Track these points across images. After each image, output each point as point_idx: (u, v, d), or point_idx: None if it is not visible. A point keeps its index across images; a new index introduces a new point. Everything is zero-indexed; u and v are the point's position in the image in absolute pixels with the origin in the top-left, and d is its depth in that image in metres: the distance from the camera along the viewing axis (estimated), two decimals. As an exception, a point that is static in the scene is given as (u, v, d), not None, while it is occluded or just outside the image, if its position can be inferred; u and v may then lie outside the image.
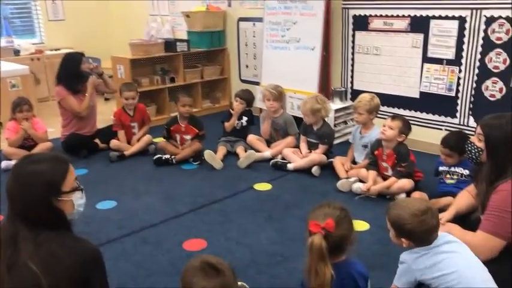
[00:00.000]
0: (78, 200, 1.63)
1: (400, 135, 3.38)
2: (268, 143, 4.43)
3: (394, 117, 3.45)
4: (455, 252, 1.80)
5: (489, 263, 1.86)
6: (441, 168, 3.26)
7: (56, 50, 7.05)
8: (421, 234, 1.82)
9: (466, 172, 3.08)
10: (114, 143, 4.46)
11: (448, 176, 3.21)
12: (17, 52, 6.70)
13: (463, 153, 2.99)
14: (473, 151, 2.22)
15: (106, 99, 6.93)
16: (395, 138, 3.38)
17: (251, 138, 4.41)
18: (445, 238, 1.85)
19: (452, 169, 3.18)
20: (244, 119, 4.49)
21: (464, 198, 2.77)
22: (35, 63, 6.61)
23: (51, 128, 4.87)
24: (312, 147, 4.05)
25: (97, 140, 4.65)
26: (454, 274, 1.73)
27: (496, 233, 2.00)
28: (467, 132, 3.63)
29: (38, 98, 6.01)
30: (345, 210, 1.77)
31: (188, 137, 4.32)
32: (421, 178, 3.47)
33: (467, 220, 2.50)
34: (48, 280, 1.38)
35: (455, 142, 3.11)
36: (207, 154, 4.06)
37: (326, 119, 4.08)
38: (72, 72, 4.46)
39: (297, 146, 4.17)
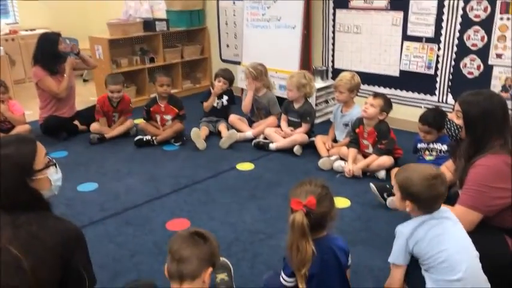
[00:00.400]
0: (54, 175, 1.61)
1: (382, 113, 3.42)
2: (251, 123, 4.42)
3: (376, 95, 3.49)
4: (450, 231, 1.81)
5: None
6: (419, 146, 3.31)
7: (31, 30, 6.87)
8: (428, 199, 1.81)
9: (444, 148, 3.14)
10: (94, 126, 4.38)
11: (427, 152, 3.27)
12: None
13: (441, 129, 3.04)
14: (452, 128, 2.25)
15: (85, 80, 6.82)
16: (376, 116, 3.41)
17: (233, 118, 4.40)
18: (445, 213, 1.86)
19: (431, 146, 3.24)
20: (225, 98, 4.46)
21: (443, 174, 2.83)
22: (9, 44, 6.43)
23: (29, 110, 4.78)
24: (292, 126, 4.07)
25: (76, 122, 4.58)
26: (444, 252, 1.75)
27: (474, 207, 2.05)
28: (445, 109, 3.68)
29: (14, 80, 5.87)
30: (326, 187, 1.79)
31: (168, 117, 4.28)
32: (400, 155, 3.53)
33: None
34: (29, 261, 1.38)
35: (434, 119, 3.17)
36: (194, 132, 4.04)
37: (309, 99, 4.09)
38: (49, 53, 4.35)
39: (280, 126, 4.17)
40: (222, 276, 2.14)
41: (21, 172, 1.49)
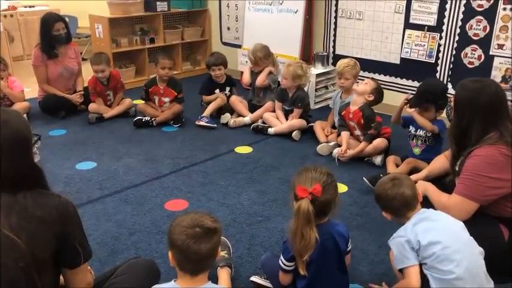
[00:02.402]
0: (36, 156, 1.60)
1: (370, 95, 3.45)
2: (251, 106, 4.40)
3: (372, 79, 3.59)
4: (444, 228, 1.81)
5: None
6: (410, 129, 3.28)
7: (30, 6, 6.80)
8: (393, 203, 1.88)
9: (429, 133, 3.15)
10: (92, 106, 4.36)
11: (413, 141, 3.26)
12: (-12, 8, 6.45)
13: (440, 107, 3.03)
14: (447, 108, 2.33)
15: (84, 59, 6.76)
16: (365, 94, 3.45)
17: (234, 98, 4.36)
18: (437, 214, 1.88)
19: (418, 132, 3.22)
20: (227, 89, 4.48)
21: (439, 162, 2.86)
22: (8, 20, 6.37)
23: (27, 87, 4.76)
24: (286, 114, 4.07)
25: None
26: (438, 245, 1.73)
27: (470, 196, 2.07)
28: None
29: (13, 57, 5.84)
30: (331, 175, 1.80)
31: (167, 99, 4.27)
32: (389, 134, 3.53)
33: (442, 182, 2.59)
34: (25, 239, 1.37)
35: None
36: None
37: (304, 87, 4.09)
38: (45, 36, 4.31)
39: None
40: (222, 253, 2.19)
41: (23, 141, 1.44)
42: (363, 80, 3.65)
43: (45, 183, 1.52)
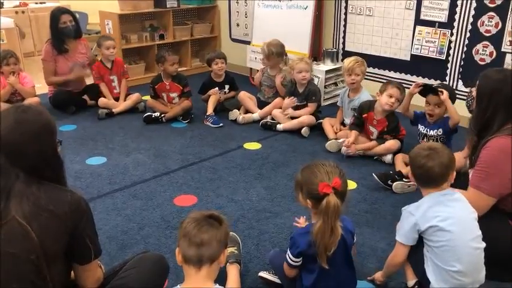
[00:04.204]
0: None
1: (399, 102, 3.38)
2: (259, 102, 4.40)
3: (398, 88, 3.37)
4: (459, 217, 1.81)
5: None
6: (420, 128, 3.27)
7: (41, 3, 6.85)
8: (417, 171, 1.88)
9: (440, 132, 3.12)
10: (102, 101, 4.40)
11: (424, 140, 3.23)
12: (0, 4, 6.49)
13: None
14: (468, 98, 2.30)
15: (95, 54, 6.80)
16: (395, 106, 3.38)
17: (242, 95, 4.36)
18: (457, 197, 1.87)
19: (430, 132, 3.20)
20: (227, 87, 4.47)
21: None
22: (19, 16, 6.43)
23: (38, 83, 4.79)
24: (298, 109, 4.05)
25: (85, 97, 4.60)
26: (447, 234, 1.76)
27: (486, 190, 2.02)
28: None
29: (24, 53, 5.88)
30: (339, 166, 1.81)
31: (174, 94, 4.29)
32: (404, 135, 3.50)
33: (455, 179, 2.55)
34: (36, 231, 1.39)
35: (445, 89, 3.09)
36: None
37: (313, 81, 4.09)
38: (54, 29, 4.34)
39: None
40: (231, 249, 2.18)
41: (53, 130, 1.50)
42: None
43: (63, 176, 1.55)
